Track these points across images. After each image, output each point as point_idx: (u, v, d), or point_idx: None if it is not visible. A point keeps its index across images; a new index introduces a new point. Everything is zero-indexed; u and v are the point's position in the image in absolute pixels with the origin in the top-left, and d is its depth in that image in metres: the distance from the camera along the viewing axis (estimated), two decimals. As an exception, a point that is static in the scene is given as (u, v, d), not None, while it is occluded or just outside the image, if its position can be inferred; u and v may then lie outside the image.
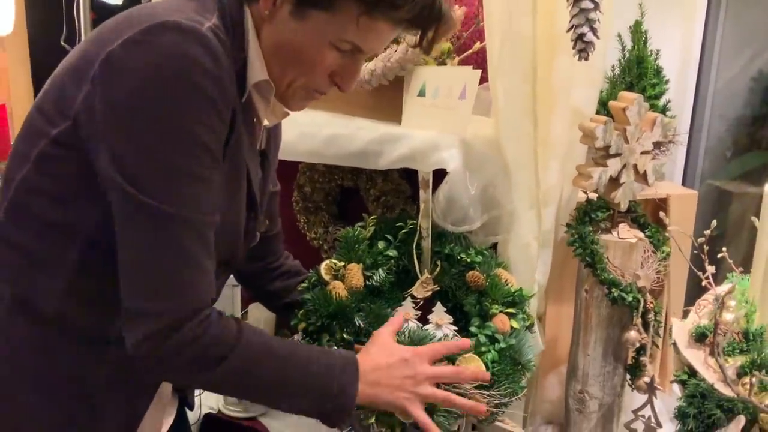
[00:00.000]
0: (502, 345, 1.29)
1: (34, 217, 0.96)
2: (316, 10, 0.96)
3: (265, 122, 1.12)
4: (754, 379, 1.08)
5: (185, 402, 1.27)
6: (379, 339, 1.15)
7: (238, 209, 1.07)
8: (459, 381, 1.13)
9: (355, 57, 1.02)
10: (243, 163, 1.04)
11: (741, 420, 1.06)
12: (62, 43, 2.06)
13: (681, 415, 1.11)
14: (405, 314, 1.33)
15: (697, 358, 1.21)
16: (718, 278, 1.39)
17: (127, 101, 0.87)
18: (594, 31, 1.20)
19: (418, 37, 1.04)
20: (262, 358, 1.00)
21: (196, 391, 1.40)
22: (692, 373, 1.19)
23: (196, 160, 0.90)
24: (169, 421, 1.22)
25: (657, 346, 1.57)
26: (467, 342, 1.21)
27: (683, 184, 2.05)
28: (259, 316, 1.63)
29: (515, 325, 1.34)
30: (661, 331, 1.61)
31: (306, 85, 1.03)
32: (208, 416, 1.82)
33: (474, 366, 1.24)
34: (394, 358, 1.09)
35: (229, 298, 1.93)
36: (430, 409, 1.21)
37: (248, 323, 1.04)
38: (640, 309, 1.48)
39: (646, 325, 1.50)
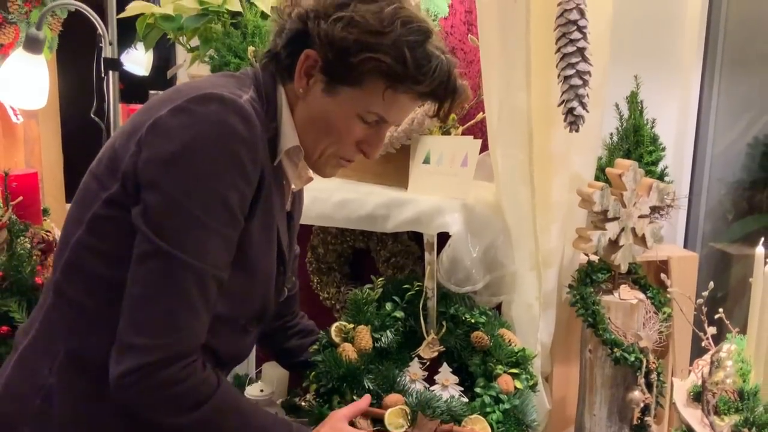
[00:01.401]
0: (507, 406, 1.32)
1: (87, 275, 1.04)
2: (346, 87, 1.07)
3: (293, 186, 1.22)
4: (747, 438, 1.10)
5: None
6: (331, 421, 1.21)
7: (270, 264, 1.16)
8: None
9: (379, 127, 1.13)
10: (275, 220, 1.13)
11: (734, 478, 1.08)
12: (92, 115, 2.19)
13: (677, 473, 1.14)
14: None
15: (693, 416, 1.23)
16: (720, 339, 1.41)
17: (165, 158, 0.97)
18: (583, 105, 1.27)
19: (436, 107, 1.15)
20: (230, 414, 1.06)
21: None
22: (689, 431, 1.21)
23: (217, 216, 0.99)
24: None
25: (662, 406, 1.59)
26: None
27: (685, 246, 2.09)
28: (273, 374, 1.67)
29: (519, 385, 1.37)
30: (666, 392, 1.62)
31: (336, 153, 1.14)
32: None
33: (479, 427, 1.28)
34: None
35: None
36: None
37: (225, 378, 1.10)
38: (643, 369, 1.51)
39: (649, 385, 1.52)
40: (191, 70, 1.87)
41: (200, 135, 0.97)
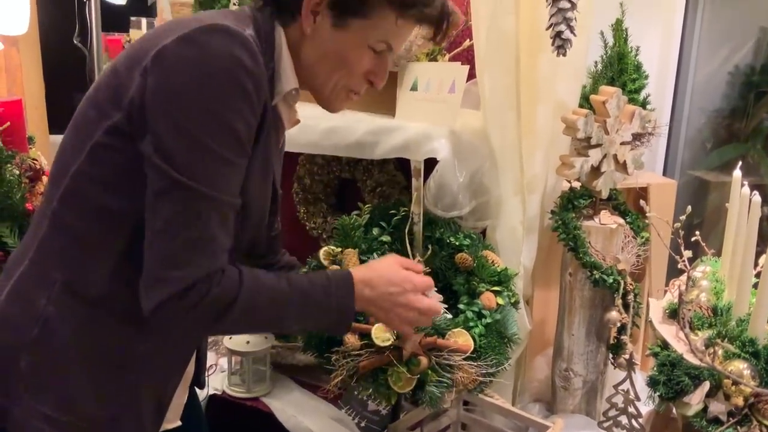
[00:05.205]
0: (489, 320, 1.37)
1: (87, 205, 1.04)
2: (356, 19, 1.08)
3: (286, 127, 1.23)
4: (719, 350, 1.16)
5: (197, 381, 1.35)
6: (388, 260, 1.21)
7: (265, 198, 1.18)
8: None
9: (385, 56, 1.15)
10: (271, 159, 1.15)
11: (706, 385, 1.15)
12: (75, 41, 2.14)
13: (652, 383, 1.20)
14: None
15: (669, 332, 1.29)
16: (696, 262, 1.47)
17: (173, 88, 0.97)
18: (571, 29, 1.29)
19: (434, 32, 1.17)
20: (263, 298, 1.08)
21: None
22: (665, 346, 1.27)
23: (228, 146, 1.00)
24: (185, 398, 1.31)
25: (637, 326, 1.66)
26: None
27: (664, 174, 2.13)
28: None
29: (501, 301, 1.42)
30: (642, 312, 1.69)
31: (346, 86, 1.15)
32: (213, 397, 1.90)
33: (462, 339, 1.34)
34: (393, 288, 1.16)
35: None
36: (423, 379, 1.31)
37: (248, 269, 1.09)
38: (621, 290, 1.57)
39: (626, 305, 1.59)
40: (174, -3, 1.84)
41: (208, 65, 0.97)
